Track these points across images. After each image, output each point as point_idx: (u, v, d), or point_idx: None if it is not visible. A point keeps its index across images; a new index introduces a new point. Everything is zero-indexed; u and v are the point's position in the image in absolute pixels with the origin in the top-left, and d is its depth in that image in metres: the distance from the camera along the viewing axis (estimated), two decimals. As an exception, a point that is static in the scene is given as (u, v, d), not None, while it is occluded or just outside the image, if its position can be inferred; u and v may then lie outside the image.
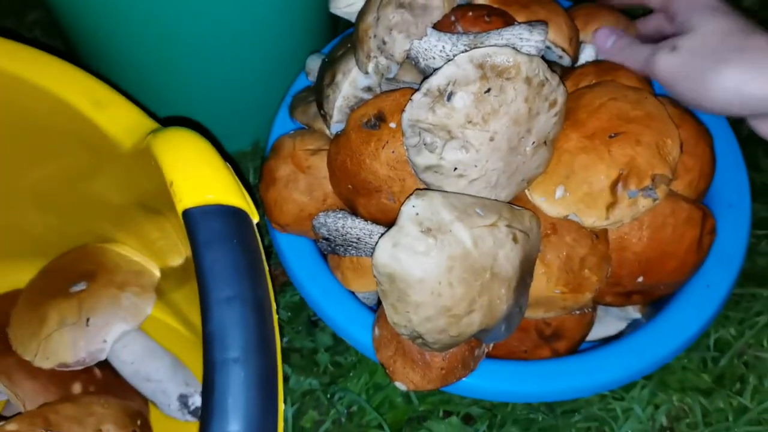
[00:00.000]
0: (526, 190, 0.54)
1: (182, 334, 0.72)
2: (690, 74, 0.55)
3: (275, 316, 0.35)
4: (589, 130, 0.53)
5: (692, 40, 0.55)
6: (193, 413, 0.64)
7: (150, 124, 0.47)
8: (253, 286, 0.34)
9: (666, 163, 0.52)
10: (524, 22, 0.51)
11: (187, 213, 0.36)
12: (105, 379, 0.63)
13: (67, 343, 0.59)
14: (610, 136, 0.52)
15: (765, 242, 0.74)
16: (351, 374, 0.69)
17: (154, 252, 0.64)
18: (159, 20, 0.66)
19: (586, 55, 0.62)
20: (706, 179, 0.60)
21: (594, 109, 0.53)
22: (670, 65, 0.55)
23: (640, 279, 0.56)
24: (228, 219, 0.36)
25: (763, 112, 0.53)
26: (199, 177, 0.38)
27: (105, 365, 0.64)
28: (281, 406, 0.32)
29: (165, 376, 0.64)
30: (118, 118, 0.47)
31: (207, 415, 0.30)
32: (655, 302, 0.62)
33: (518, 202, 0.54)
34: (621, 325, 0.66)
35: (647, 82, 0.59)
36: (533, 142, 0.50)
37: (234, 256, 0.34)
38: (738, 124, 0.81)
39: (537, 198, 0.53)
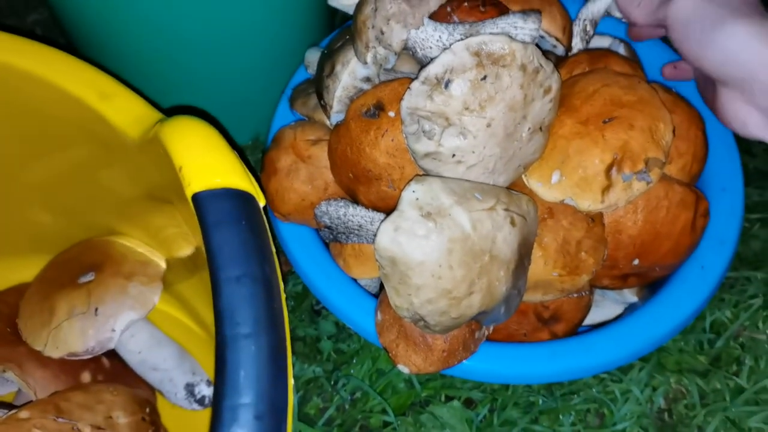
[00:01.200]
0: (523, 176, 0.55)
1: (188, 326, 0.73)
2: (699, 23, 0.54)
3: (283, 295, 0.36)
4: (583, 116, 0.54)
5: None
6: (199, 402, 0.65)
7: (155, 114, 0.48)
8: (262, 264, 0.35)
9: (659, 146, 0.53)
10: (518, 11, 0.52)
11: (196, 196, 0.37)
12: (113, 369, 0.65)
13: (76, 332, 0.60)
14: (604, 121, 0.53)
15: (758, 226, 0.75)
16: (354, 361, 0.70)
17: (160, 243, 0.65)
18: (159, 16, 0.67)
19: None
20: (699, 163, 0.61)
21: (588, 95, 0.54)
22: (684, 7, 0.55)
23: (636, 261, 0.58)
24: (236, 201, 0.37)
25: (748, 80, 0.53)
26: (207, 162, 0.39)
27: (112, 355, 0.65)
28: (291, 380, 0.33)
29: (172, 366, 0.65)
30: (124, 110, 0.48)
31: (220, 388, 0.32)
32: (652, 286, 0.64)
33: (516, 188, 0.56)
34: (618, 310, 0.67)
35: (639, 68, 0.60)
36: (529, 128, 0.52)
37: (243, 236, 0.36)
38: (731, 111, 0.82)
39: (534, 183, 0.55)
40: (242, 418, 0.31)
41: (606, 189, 0.54)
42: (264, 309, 0.34)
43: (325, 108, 0.59)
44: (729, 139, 0.66)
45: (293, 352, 0.72)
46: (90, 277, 0.63)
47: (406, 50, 0.52)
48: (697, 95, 0.66)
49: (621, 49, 0.65)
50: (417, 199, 0.48)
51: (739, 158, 0.66)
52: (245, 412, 0.31)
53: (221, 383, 0.31)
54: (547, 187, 0.54)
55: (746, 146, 0.80)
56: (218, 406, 0.31)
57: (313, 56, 0.69)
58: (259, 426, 0.31)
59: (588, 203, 0.54)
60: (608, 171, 0.53)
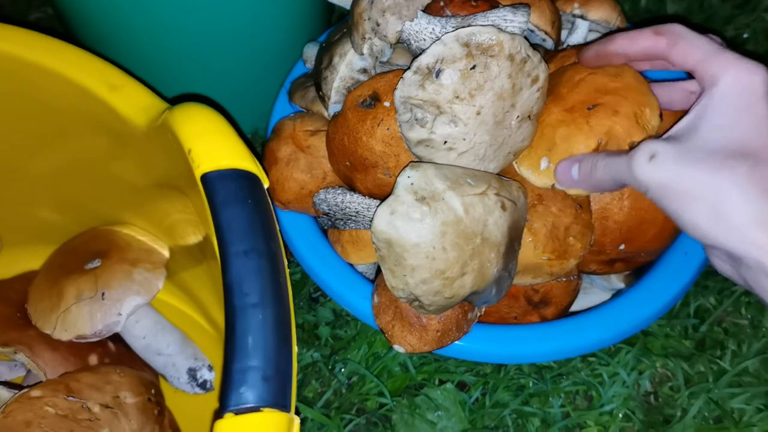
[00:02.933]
0: (513, 163, 0.57)
1: (191, 316, 0.75)
2: (672, 194, 0.45)
3: (287, 270, 0.38)
4: (569, 104, 0.56)
5: (682, 144, 0.45)
6: (201, 386, 0.68)
7: (162, 104, 0.51)
8: (267, 240, 0.38)
9: (645, 131, 0.55)
10: (508, 5, 0.54)
11: (205, 177, 0.40)
12: (118, 353, 0.67)
13: (84, 315, 0.62)
14: (589, 108, 0.55)
15: (741, 215, 0.77)
16: (351, 346, 0.72)
17: (164, 231, 0.67)
18: (160, 10, 0.69)
19: (581, 31, 0.66)
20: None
21: (574, 83, 0.57)
22: (649, 179, 0.46)
23: (622, 246, 0.60)
24: (242, 181, 0.40)
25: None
26: (214, 144, 0.41)
27: (118, 340, 0.67)
28: (295, 348, 0.35)
29: (175, 351, 0.67)
30: (132, 100, 0.50)
31: (229, 354, 0.34)
32: (638, 272, 0.66)
33: (507, 175, 0.58)
34: (606, 296, 0.70)
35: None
36: (518, 116, 0.54)
37: (249, 213, 0.38)
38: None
39: (524, 171, 0.57)
40: (251, 379, 0.33)
41: None
42: (270, 281, 0.36)
43: (323, 99, 0.61)
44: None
45: (292, 338, 0.74)
46: (96, 263, 0.65)
47: (401, 42, 0.55)
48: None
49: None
50: (412, 184, 0.50)
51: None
52: (253, 373, 0.33)
53: (231, 348, 0.34)
54: (537, 173, 0.57)
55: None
56: (228, 369, 0.33)
57: (311, 51, 0.71)
58: (267, 387, 0.33)
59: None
60: None
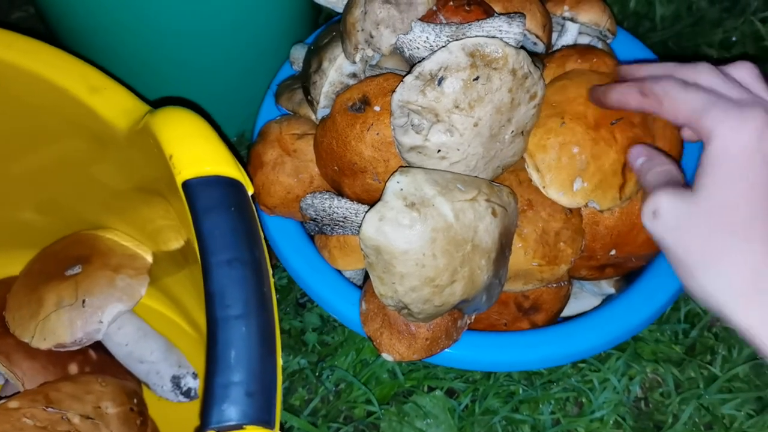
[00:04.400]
0: (541, 188, 0.56)
1: (174, 321, 0.74)
2: (668, 254, 0.47)
3: (272, 279, 0.37)
4: (592, 122, 0.55)
5: (682, 203, 0.46)
6: (185, 394, 0.66)
7: (143, 107, 0.49)
8: (251, 249, 0.36)
9: (652, 136, 0.56)
10: (503, 14, 0.53)
11: (186, 184, 0.39)
12: (100, 361, 0.65)
13: (64, 323, 0.60)
14: (612, 123, 0.55)
15: (731, 220, 0.77)
16: (338, 352, 0.71)
17: (147, 236, 0.66)
18: (143, 11, 0.68)
19: (571, 33, 0.65)
20: (675, 160, 0.63)
21: (585, 99, 0.56)
22: (651, 232, 0.48)
23: (613, 252, 0.59)
24: (225, 188, 0.39)
25: None
26: (196, 150, 0.40)
27: (99, 347, 0.66)
28: (280, 360, 0.34)
29: (158, 358, 0.66)
30: (113, 102, 0.49)
31: (211, 367, 0.33)
32: (628, 278, 0.65)
33: (496, 180, 0.57)
34: (596, 301, 0.69)
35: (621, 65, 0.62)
36: (512, 131, 0.53)
37: (232, 221, 0.37)
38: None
39: (554, 193, 0.56)
40: (233, 395, 0.32)
41: (622, 186, 0.56)
42: (254, 291, 0.35)
43: (311, 103, 0.60)
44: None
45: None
46: (77, 269, 0.63)
47: (395, 50, 0.54)
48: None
49: (600, 46, 0.67)
50: (401, 189, 0.49)
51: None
52: (236, 389, 0.32)
53: (213, 362, 0.33)
54: (570, 194, 0.56)
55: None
56: (210, 384, 0.32)
57: (298, 53, 0.70)
58: (250, 403, 0.32)
59: (609, 202, 0.56)
60: (623, 169, 0.55)
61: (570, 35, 0.67)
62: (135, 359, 0.66)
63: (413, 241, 0.48)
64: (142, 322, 0.66)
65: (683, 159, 0.64)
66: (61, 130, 0.55)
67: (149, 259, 0.67)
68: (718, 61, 0.51)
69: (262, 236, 0.39)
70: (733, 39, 0.90)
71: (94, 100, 0.49)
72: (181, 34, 0.71)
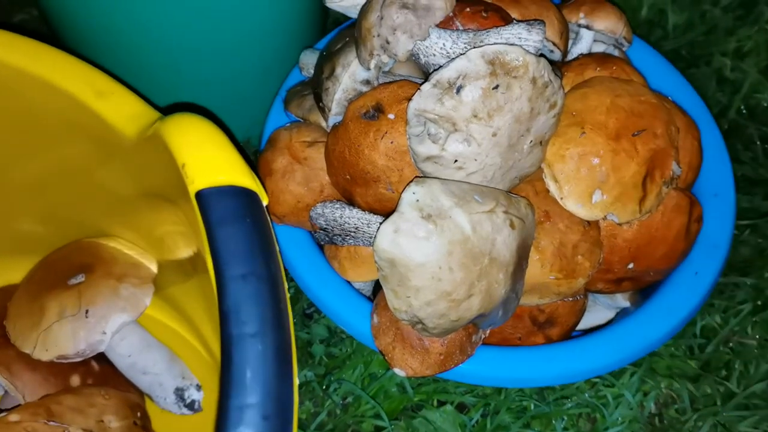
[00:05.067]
0: (559, 199, 0.55)
1: (178, 332, 0.72)
2: None
3: (287, 294, 0.36)
4: (612, 132, 0.54)
5: None
6: (189, 406, 0.65)
7: (152, 112, 0.48)
8: (267, 262, 0.35)
9: (675, 148, 0.55)
10: (522, 21, 0.52)
11: (199, 194, 0.37)
12: (102, 372, 0.63)
13: (67, 334, 0.59)
14: (634, 135, 0.54)
15: (747, 232, 0.76)
16: (346, 365, 0.70)
17: (152, 245, 0.65)
18: (151, 16, 0.66)
19: (586, 41, 0.64)
20: (694, 171, 0.62)
21: (607, 108, 0.55)
22: None
23: (631, 265, 0.58)
24: (240, 199, 0.37)
25: None
26: (210, 159, 0.39)
27: (102, 358, 0.64)
28: (296, 380, 0.33)
29: (162, 369, 0.64)
30: (120, 108, 0.47)
31: (226, 388, 0.31)
32: (644, 290, 0.64)
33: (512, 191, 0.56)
34: (610, 314, 0.68)
35: (640, 73, 0.61)
36: (531, 141, 0.52)
37: (247, 234, 0.35)
38: (719, 118, 0.84)
39: (572, 205, 0.54)
40: (249, 418, 0.30)
41: (642, 199, 0.54)
42: (270, 308, 0.33)
43: (323, 110, 0.59)
44: (720, 147, 0.67)
45: (285, 356, 0.71)
46: (80, 278, 0.62)
47: (410, 56, 0.53)
48: (690, 104, 0.67)
49: (616, 54, 0.66)
50: (417, 200, 0.48)
51: (731, 165, 0.67)
52: (252, 412, 0.30)
53: (227, 382, 0.31)
54: (588, 206, 0.54)
55: (735, 154, 0.81)
56: (225, 406, 0.31)
57: (307, 58, 0.68)
58: (267, 426, 0.30)
59: (628, 215, 0.55)
60: (644, 182, 0.54)
61: (585, 43, 0.66)
62: (138, 371, 0.64)
63: (429, 254, 0.47)
64: (145, 332, 0.64)
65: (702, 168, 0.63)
66: (66, 136, 0.54)
67: (154, 268, 0.66)
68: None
69: (278, 249, 0.37)
70: (747, 48, 0.89)
71: (101, 105, 0.47)
72: (189, 37, 0.70)
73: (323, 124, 0.62)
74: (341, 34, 0.60)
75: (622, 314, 0.66)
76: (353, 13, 0.59)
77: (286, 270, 0.64)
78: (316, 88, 0.59)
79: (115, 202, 0.61)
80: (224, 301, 0.33)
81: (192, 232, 0.43)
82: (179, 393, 0.65)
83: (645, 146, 0.54)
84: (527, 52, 0.48)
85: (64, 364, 0.61)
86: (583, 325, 0.66)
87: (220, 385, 0.31)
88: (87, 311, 0.60)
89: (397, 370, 0.55)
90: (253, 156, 0.84)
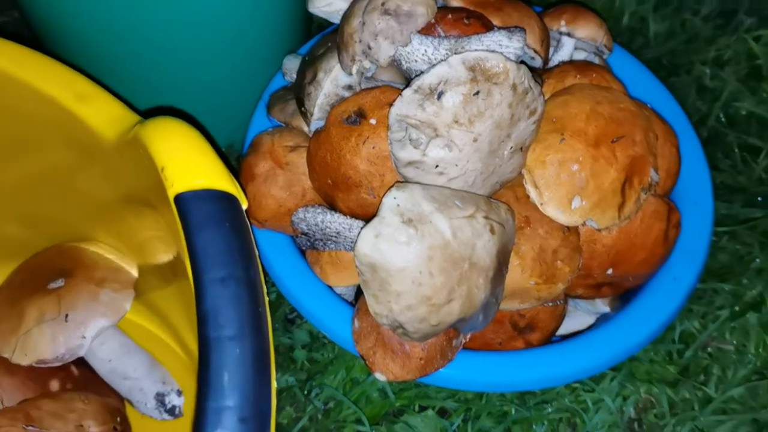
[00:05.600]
0: (539, 204, 0.55)
1: (159, 336, 0.72)
2: None
3: (266, 298, 0.36)
4: (592, 139, 0.55)
5: None
6: (169, 412, 0.64)
7: (133, 116, 0.48)
8: (246, 266, 0.35)
9: (654, 154, 0.56)
10: (503, 28, 0.53)
11: (179, 197, 0.37)
12: (82, 377, 0.63)
13: (46, 338, 0.58)
14: (613, 141, 0.54)
15: (726, 239, 0.77)
16: (328, 370, 0.70)
17: (133, 249, 0.64)
18: (133, 20, 0.66)
19: (567, 48, 0.64)
20: (672, 178, 0.62)
21: (587, 115, 0.55)
22: None
23: (610, 271, 0.58)
24: (219, 203, 0.37)
25: None
26: (189, 163, 0.39)
27: (81, 363, 0.64)
28: (274, 383, 0.33)
29: (142, 374, 0.64)
30: (101, 111, 0.47)
31: (203, 390, 0.31)
32: (624, 295, 0.64)
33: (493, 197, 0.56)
34: (590, 320, 0.68)
35: (620, 81, 0.61)
36: (511, 147, 0.52)
37: (227, 237, 0.35)
38: (699, 126, 0.85)
39: (552, 211, 0.55)
40: (226, 420, 0.30)
41: (621, 205, 0.55)
42: (248, 311, 0.33)
43: (305, 115, 0.59)
44: (699, 154, 0.68)
45: (267, 361, 0.71)
46: (60, 283, 0.62)
47: (391, 62, 0.53)
48: (669, 111, 0.68)
49: (597, 61, 0.67)
50: (398, 205, 0.48)
51: (709, 172, 0.68)
52: (229, 414, 0.30)
53: (205, 385, 0.31)
54: (568, 212, 0.55)
55: (714, 162, 0.82)
56: (202, 408, 0.31)
57: (290, 63, 0.68)
58: (244, 429, 0.30)
59: (608, 221, 0.55)
60: (623, 188, 0.55)
61: (566, 50, 0.66)
62: (118, 375, 0.64)
63: (410, 258, 0.47)
64: (125, 337, 0.64)
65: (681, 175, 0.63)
66: (46, 139, 0.54)
67: (134, 272, 0.65)
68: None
69: (257, 253, 0.37)
70: (727, 56, 0.90)
71: (81, 109, 0.47)
72: (171, 41, 0.70)
73: (306, 128, 0.62)
74: (324, 40, 0.60)
75: (602, 319, 0.67)
76: (336, 19, 0.60)
77: (267, 275, 0.64)
78: (298, 93, 0.60)
79: (96, 206, 0.60)
80: (202, 304, 0.33)
81: (172, 237, 0.43)
82: (160, 398, 0.64)
83: (624, 153, 0.55)
84: (507, 59, 0.49)
85: (44, 369, 0.61)
86: (564, 330, 0.66)
87: (198, 387, 0.31)
88: (67, 316, 0.59)
89: (377, 375, 0.55)
90: (236, 160, 0.84)
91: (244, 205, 0.39)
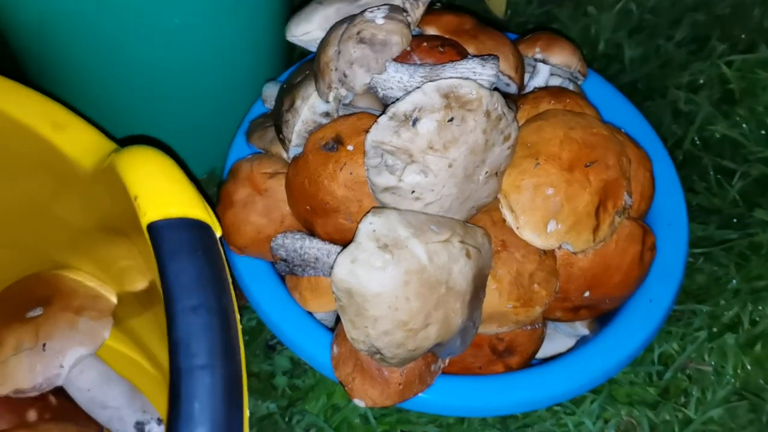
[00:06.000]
0: (515, 228, 0.56)
1: (139, 363, 0.71)
2: None
3: (239, 326, 0.36)
4: (566, 163, 0.55)
5: None
6: (149, 441, 0.64)
7: (109, 145, 0.48)
8: (218, 295, 0.35)
9: (627, 178, 0.57)
10: (477, 56, 0.54)
11: (151, 226, 0.37)
12: (60, 407, 0.63)
13: (23, 368, 0.58)
14: (586, 166, 0.55)
15: (702, 260, 0.77)
16: (309, 396, 0.69)
17: (112, 277, 0.64)
18: (113, 48, 0.67)
19: (543, 74, 0.66)
20: (647, 201, 0.63)
21: (561, 140, 0.56)
22: None
23: (587, 293, 0.59)
24: (192, 231, 0.37)
25: None
26: (162, 191, 0.39)
27: (60, 392, 0.63)
28: (246, 412, 0.33)
29: (122, 403, 0.63)
30: (77, 140, 0.47)
31: (173, 421, 0.31)
32: (602, 318, 0.65)
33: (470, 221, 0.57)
34: (570, 342, 0.68)
35: (593, 106, 0.62)
36: (486, 172, 0.53)
37: (199, 266, 0.35)
38: (675, 149, 0.86)
39: (528, 234, 0.55)
40: (197, 450, 0.30)
41: (596, 228, 0.55)
42: (220, 340, 0.34)
43: (283, 141, 0.59)
44: (673, 177, 0.69)
45: (247, 389, 0.70)
46: (38, 311, 0.61)
47: (368, 89, 0.54)
48: (644, 135, 0.69)
49: (571, 87, 0.68)
50: (374, 230, 0.48)
51: (683, 195, 0.69)
52: (200, 444, 0.30)
53: (175, 415, 0.31)
54: (544, 236, 0.55)
55: (690, 184, 0.83)
56: (173, 439, 0.31)
57: (270, 90, 0.69)
58: (214, 459, 0.30)
59: (582, 245, 0.56)
60: (597, 211, 0.55)
61: (542, 77, 0.67)
62: (97, 405, 0.63)
63: (386, 283, 0.47)
64: (104, 365, 0.64)
65: (654, 200, 0.64)
66: (22, 168, 0.54)
67: (114, 300, 0.65)
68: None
69: (231, 281, 0.37)
70: (700, 81, 0.92)
71: (58, 137, 0.47)
72: (151, 69, 0.70)
73: (284, 155, 0.62)
74: (301, 68, 0.61)
75: (582, 342, 0.67)
76: (313, 47, 0.60)
77: (246, 301, 0.64)
78: (276, 120, 0.60)
79: (74, 235, 0.60)
80: (174, 333, 0.33)
81: (147, 265, 0.43)
82: (140, 427, 0.64)
83: (597, 177, 0.55)
84: (481, 86, 0.49)
85: (21, 399, 0.60)
86: (544, 353, 0.67)
87: (168, 417, 0.31)
88: (44, 345, 0.59)
89: (357, 401, 0.55)
90: (217, 187, 0.84)
91: (219, 233, 0.39)
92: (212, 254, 0.37)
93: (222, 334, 0.34)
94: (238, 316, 0.37)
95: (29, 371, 0.58)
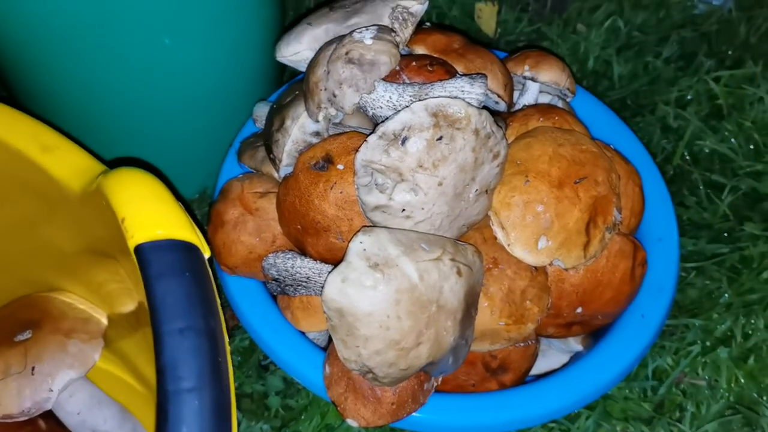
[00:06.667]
0: (506, 245, 0.56)
1: (130, 384, 0.71)
2: None
3: (228, 348, 0.36)
4: (555, 180, 0.56)
5: None
6: (140, 464, 0.63)
7: (98, 167, 0.48)
8: (206, 317, 0.35)
9: (617, 194, 0.57)
10: (465, 75, 0.54)
11: (138, 248, 0.37)
12: (50, 431, 0.62)
13: (12, 392, 0.57)
14: (576, 182, 0.55)
15: (694, 274, 0.78)
16: (302, 417, 0.69)
17: (102, 298, 0.64)
18: (103, 69, 0.67)
19: (532, 92, 0.66)
20: (637, 217, 0.63)
21: (550, 158, 0.56)
22: None
23: (579, 309, 0.59)
24: (180, 253, 0.37)
25: None
26: (150, 213, 0.39)
27: (49, 416, 0.62)
28: (235, 434, 0.32)
29: (112, 426, 0.63)
30: (66, 162, 0.47)
31: (161, 445, 0.31)
32: (595, 334, 0.65)
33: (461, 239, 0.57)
34: (564, 359, 0.68)
35: (582, 123, 0.63)
36: (476, 190, 0.53)
37: (186, 288, 0.35)
38: (665, 164, 0.86)
39: (519, 251, 0.56)
40: (185, 475, 0.30)
41: (586, 244, 0.56)
42: (208, 363, 0.33)
43: (274, 161, 0.59)
44: (663, 192, 0.69)
45: (240, 409, 0.70)
46: (27, 334, 0.61)
47: (357, 109, 0.54)
48: (634, 151, 0.69)
49: (560, 104, 0.68)
50: (364, 249, 0.48)
51: (674, 210, 0.69)
52: (188, 469, 0.30)
53: (163, 439, 0.31)
54: (535, 253, 0.55)
55: (680, 199, 0.83)
56: (160, 464, 0.30)
57: (261, 110, 0.69)
58: (203, 482, 0.30)
59: (574, 261, 0.56)
60: (587, 228, 0.55)
61: (531, 94, 0.68)
62: (88, 428, 0.62)
63: (377, 302, 0.47)
64: (95, 388, 0.63)
65: (644, 215, 0.64)
66: (11, 190, 0.54)
67: (104, 322, 0.65)
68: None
69: (219, 302, 0.37)
70: (689, 97, 0.93)
71: (46, 160, 0.47)
72: (142, 90, 0.70)
73: (275, 175, 0.62)
74: (291, 88, 0.61)
75: (575, 358, 0.67)
76: (303, 67, 0.61)
77: (238, 321, 0.63)
78: (267, 140, 0.60)
79: (63, 257, 0.60)
80: (161, 356, 0.33)
81: (136, 288, 0.43)
82: (130, 451, 0.63)
83: (587, 193, 0.56)
84: (469, 104, 0.50)
85: (10, 424, 0.60)
86: (537, 370, 0.67)
87: (156, 441, 0.31)
88: (33, 368, 0.58)
89: (350, 421, 0.54)
90: (208, 207, 0.84)
91: (207, 254, 0.39)
92: (200, 275, 0.37)
93: (210, 356, 0.34)
94: (226, 338, 0.36)
95: (17, 396, 0.58)
